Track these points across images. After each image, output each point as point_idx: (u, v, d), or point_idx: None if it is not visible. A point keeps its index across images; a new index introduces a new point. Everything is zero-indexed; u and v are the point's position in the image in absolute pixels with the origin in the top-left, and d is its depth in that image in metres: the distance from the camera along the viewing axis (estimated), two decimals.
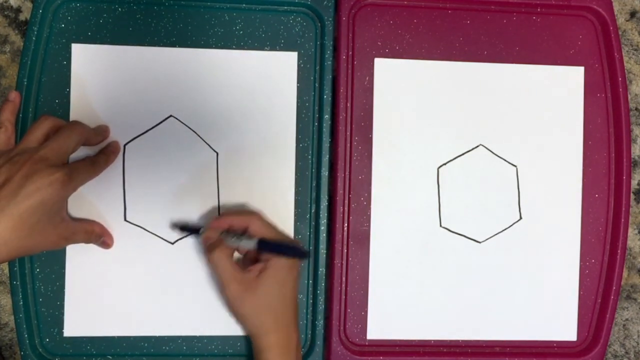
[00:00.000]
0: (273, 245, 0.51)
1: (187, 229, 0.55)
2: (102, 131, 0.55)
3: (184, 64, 0.57)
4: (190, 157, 0.57)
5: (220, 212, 0.57)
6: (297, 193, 0.58)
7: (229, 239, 0.52)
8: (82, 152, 0.54)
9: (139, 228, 0.57)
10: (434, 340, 0.60)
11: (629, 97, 0.62)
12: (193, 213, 0.57)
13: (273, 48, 0.59)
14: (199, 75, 0.58)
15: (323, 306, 0.58)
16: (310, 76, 0.59)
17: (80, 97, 0.56)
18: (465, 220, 0.60)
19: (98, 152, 0.55)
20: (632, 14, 0.64)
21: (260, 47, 0.58)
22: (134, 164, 0.57)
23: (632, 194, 0.63)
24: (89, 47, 0.57)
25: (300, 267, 0.55)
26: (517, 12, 0.61)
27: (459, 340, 0.60)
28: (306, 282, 0.58)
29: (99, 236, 0.55)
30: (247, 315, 0.52)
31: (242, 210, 0.54)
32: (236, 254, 0.56)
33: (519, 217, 0.60)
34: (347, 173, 0.59)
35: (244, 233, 0.52)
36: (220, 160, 0.58)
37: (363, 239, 0.59)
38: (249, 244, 0.51)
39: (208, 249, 0.52)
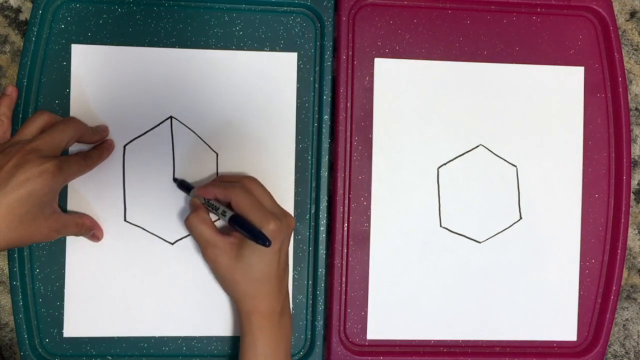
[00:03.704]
0: (241, 225, 0.50)
1: (183, 186, 0.56)
2: (100, 130, 0.55)
3: (183, 64, 0.57)
4: (190, 158, 0.57)
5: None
6: (297, 193, 0.58)
7: (210, 208, 0.53)
8: (79, 150, 0.54)
9: (139, 228, 0.57)
10: (434, 340, 0.60)
11: (629, 97, 0.62)
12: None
13: (273, 49, 0.59)
14: (199, 75, 0.58)
15: (323, 306, 0.58)
16: (310, 77, 0.59)
17: (79, 97, 0.56)
18: (465, 220, 0.60)
19: (92, 147, 0.55)
20: (632, 14, 0.64)
21: (260, 48, 0.58)
22: (134, 165, 0.57)
23: (632, 194, 0.63)
24: (89, 47, 0.57)
25: (290, 239, 0.54)
26: (517, 12, 0.61)
27: (459, 340, 0.60)
28: (306, 282, 0.58)
29: (90, 229, 0.55)
30: (224, 279, 0.53)
31: (229, 182, 0.53)
32: None
33: (519, 217, 0.60)
34: (347, 173, 0.59)
35: (229, 204, 0.52)
36: (220, 160, 0.58)
37: (363, 239, 0.59)
38: (223, 219, 0.52)
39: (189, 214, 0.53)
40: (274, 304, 0.52)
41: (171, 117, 0.57)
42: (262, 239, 0.49)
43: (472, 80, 0.60)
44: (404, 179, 0.60)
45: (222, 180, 0.55)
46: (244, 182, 0.53)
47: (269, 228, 0.50)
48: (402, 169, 0.60)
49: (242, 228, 0.50)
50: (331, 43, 0.59)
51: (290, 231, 0.53)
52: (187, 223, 0.52)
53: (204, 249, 0.52)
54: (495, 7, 0.61)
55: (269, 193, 0.53)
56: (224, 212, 0.52)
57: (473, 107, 0.60)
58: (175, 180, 0.57)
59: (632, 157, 0.61)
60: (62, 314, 0.56)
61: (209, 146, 0.58)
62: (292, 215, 0.58)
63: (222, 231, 0.53)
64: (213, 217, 0.54)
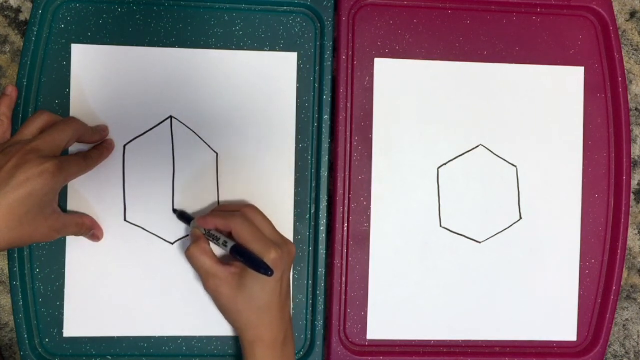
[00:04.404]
0: (242, 256, 0.50)
1: (183, 217, 0.56)
2: (100, 130, 0.55)
3: (183, 64, 0.57)
4: (190, 158, 0.57)
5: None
6: (297, 193, 0.58)
7: (210, 239, 0.53)
8: (79, 150, 0.54)
9: (139, 228, 0.57)
10: (434, 340, 0.60)
11: (629, 97, 0.62)
12: (193, 213, 0.57)
13: (273, 48, 0.59)
14: (199, 75, 0.58)
15: (323, 306, 0.58)
16: (310, 76, 0.59)
17: (80, 97, 0.56)
18: (465, 220, 0.60)
19: (92, 147, 0.55)
20: (632, 14, 0.64)
21: (260, 48, 0.58)
22: (134, 165, 0.57)
23: (632, 194, 0.63)
24: (89, 47, 0.57)
25: (292, 266, 0.54)
26: (517, 12, 0.61)
27: (459, 340, 0.60)
28: (306, 282, 0.58)
29: (90, 229, 0.55)
30: (226, 310, 0.52)
31: (229, 212, 0.53)
32: None
33: (519, 217, 0.60)
34: (347, 173, 0.59)
35: (230, 234, 0.52)
36: (220, 160, 0.58)
37: (363, 239, 0.59)
38: (225, 249, 0.51)
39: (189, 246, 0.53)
40: (277, 332, 0.52)
41: (171, 117, 0.57)
42: (264, 269, 0.49)
43: (472, 80, 0.60)
44: (404, 179, 0.60)
45: (222, 209, 0.55)
46: (244, 211, 0.53)
47: (270, 257, 0.49)
48: (402, 169, 0.60)
49: (244, 258, 0.50)
50: (331, 43, 0.59)
51: (291, 259, 0.53)
52: (188, 254, 0.52)
53: (205, 280, 0.52)
54: (495, 7, 0.61)
55: (269, 221, 0.53)
56: (225, 243, 0.51)
57: (473, 107, 0.60)
58: (175, 211, 0.57)
59: (632, 157, 0.61)
60: (62, 314, 0.56)
61: (209, 146, 0.58)
62: (292, 215, 0.58)
63: (222, 261, 0.52)
64: (214, 247, 0.54)
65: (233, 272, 0.51)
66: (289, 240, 0.54)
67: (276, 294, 0.51)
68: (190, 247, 0.52)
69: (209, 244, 0.53)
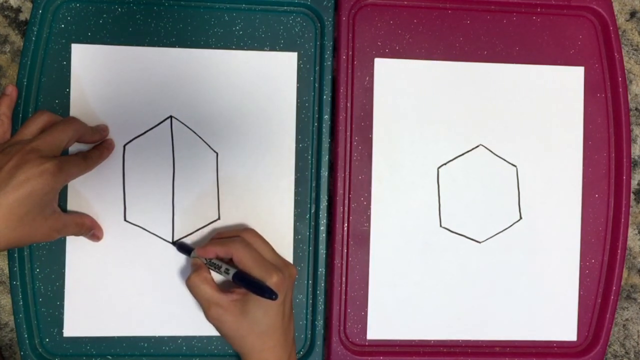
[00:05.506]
0: (245, 282, 0.50)
1: (183, 248, 0.56)
2: (100, 130, 0.55)
3: (183, 64, 0.57)
4: (190, 157, 0.57)
5: (219, 213, 0.57)
6: (297, 193, 0.58)
7: (212, 268, 0.53)
8: (79, 150, 0.54)
9: (139, 228, 0.57)
10: (434, 340, 0.60)
11: (629, 97, 0.62)
12: (193, 213, 0.57)
13: (273, 48, 0.59)
14: (199, 75, 0.58)
15: (323, 306, 0.58)
16: (310, 76, 0.59)
17: (80, 97, 0.56)
18: (465, 220, 0.60)
19: (92, 147, 0.55)
20: (632, 14, 0.64)
21: (260, 48, 0.58)
22: (133, 164, 0.57)
23: (632, 194, 0.63)
24: (89, 47, 0.57)
25: (293, 289, 0.55)
26: (517, 12, 0.61)
27: (459, 340, 0.60)
28: (306, 282, 0.58)
29: (90, 229, 0.55)
30: (230, 337, 0.52)
31: (228, 238, 0.53)
32: None
33: (519, 217, 0.60)
34: (347, 173, 0.59)
35: (230, 260, 0.52)
36: (220, 160, 0.58)
37: (363, 239, 0.59)
38: (227, 276, 0.51)
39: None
40: (281, 355, 0.52)
41: (171, 117, 0.57)
42: (268, 293, 0.49)
43: (472, 80, 0.60)
44: (404, 179, 0.60)
45: (220, 236, 0.55)
46: (244, 236, 0.53)
47: (272, 281, 0.50)
48: (402, 169, 0.60)
49: (247, 284, 0.50)
50: (331, 43, 0.59)
51: (292, 281, 0.53)
52: (189, 283, 0.52)
53: (207, 309, 0.51)
54: (495, 7, 0.61)
55: (268, 244, 0.54)
56: (227, 270, 0.51)
57: (473, 107, 0.60)
58: (174, 243, 0.57)
59: (632, 157, 0.61)
60: (62, 314, 0.56)
61: (209, 146, 0.58)
62: (292, 215, 0.58)
63: (222, 288, 0.52)
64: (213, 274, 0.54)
65: (235, 299, 0.51)
66: (289, 263, 0.54)
67: (279, 317, 0.51)
68: (191, 276, 0.52)
69: (209, 272, 0.53)
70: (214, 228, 0.57)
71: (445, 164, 0.60)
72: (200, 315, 0.57)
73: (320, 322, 0.58)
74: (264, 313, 0.51)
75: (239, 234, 0.53)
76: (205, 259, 0.53)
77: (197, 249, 0.53)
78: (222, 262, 0.52)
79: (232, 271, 0.51)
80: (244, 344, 0.52)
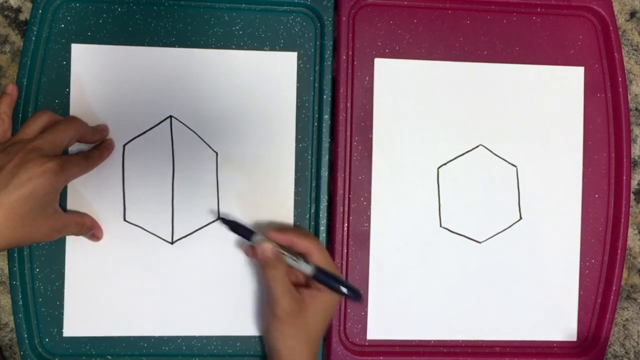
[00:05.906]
0: (330, 278, 0.50)
1: (237, 230, 0.53)
2: (100, 130, 0.55)
3: (183, 64, 0.57)
4: (190, 157, 0.57)
5: (219, 213, 0.57)
6: (297, 193, 0.58)
7: (287, 257, 0.51)
8: (79, 150, 0.54)
9: (139, 228, 0.57)
10: (434, 340, 0.60)
11: (629, 97, 0.62)
12: (193, 213, 0.57)
13: (273, 48, 0.59)
14: (199, 75, 0.58)
15: None
16: (310, 76, 0.59)
17: (79, 97, 0.56)
18: (465, 220, 0.60)
19: (93, 147, 0.55)
20: (632, 14, 0.64)
21: (260, 47, 0.58)
22: (133, 164, 0.57)
23: (632, 194, 0.63)
24: (89, 47, 0.57)
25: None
26: (517, 12, 0.61)
27: (459, 340, 0.60)
28: None
29: (90, 228, 0.55)
30: (285, 335, 0.51)
31: (306, 233, 0.53)
32: None
33: (519, 217, 0.60)
34: (347, 173, 0.59)
35: (299, 254, 0.52)
36: (220, 160, 0.58)
37: (363, 239, 0.59)
38: (307, 269, 0.51)
39: (266, 263, 0.51)
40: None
41: (171, 117, 0.57)
42: (355, 291, 0.49)
43: (472, 80, 0.60)
44: (404, 179, 0.60)
45: (290, 231, 0.54)
46: (314, 237, 0.54)
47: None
48: (402, 169, 0.60)
49: (331, 281, 0.50)
50: (331, 43, 0.59)
51: None
52: (274, 276, 0.50)
53: (279, 300, 0.50)
54: (495, 7, 0.61)
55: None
56: (305, 263, 0.51)
57: (473, 107, 0.60)
58: (223, 219, 0.54)
59: (632, 157, 0.61)
60: (62, 314, 0.56)
61: (209, 146, 0.58)
62: (292, 215, 0.58)
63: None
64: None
65: (303, 300, 0.51)
66: None
67: (324, 326, 0.52)
68: (278, 269, 0.50)
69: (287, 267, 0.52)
70: (214, 228, 0.57)
71: (445, 164, 0.60)
72: (200, 315, 0.57)
73: None
74: (323, 321, 0.52)
75: (307, 233, 0.54)
76: (278, 245, 0.51)
77: (271, 232, 0.52)
78: (292, 254, 0.52)
79: (311, 265, 0.50)
80: (290, 346, 0.51)
